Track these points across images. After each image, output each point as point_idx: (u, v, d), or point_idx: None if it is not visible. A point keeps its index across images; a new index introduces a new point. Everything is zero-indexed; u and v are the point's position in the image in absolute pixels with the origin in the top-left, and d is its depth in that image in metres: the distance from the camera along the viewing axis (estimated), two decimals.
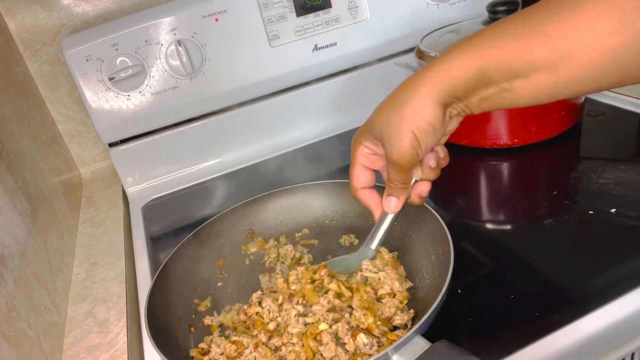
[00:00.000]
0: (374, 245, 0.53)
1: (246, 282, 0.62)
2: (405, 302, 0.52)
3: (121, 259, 0.71)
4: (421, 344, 0.42)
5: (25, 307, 0.51)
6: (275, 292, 0.56)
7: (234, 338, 0.50)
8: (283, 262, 0.63)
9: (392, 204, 0.49)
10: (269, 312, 0.52)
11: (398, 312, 0.51)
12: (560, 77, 0.38)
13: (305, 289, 0.52)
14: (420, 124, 0.42)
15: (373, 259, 0.54)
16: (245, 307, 0.55)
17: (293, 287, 0.53)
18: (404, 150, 0.43)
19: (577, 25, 0.36)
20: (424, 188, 0.49)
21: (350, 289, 0.52)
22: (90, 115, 0.83)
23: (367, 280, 0.53)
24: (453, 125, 0.46)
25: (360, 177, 0.50)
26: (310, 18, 0.88)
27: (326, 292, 0.51)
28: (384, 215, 0.51)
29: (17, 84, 0.80)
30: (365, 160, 0.49)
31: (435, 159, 0.48)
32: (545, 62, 0.37)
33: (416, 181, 0.49)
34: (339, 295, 0.51)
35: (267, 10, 0.85)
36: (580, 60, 0.36)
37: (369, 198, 0.52)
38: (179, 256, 0.59)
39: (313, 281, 0.53)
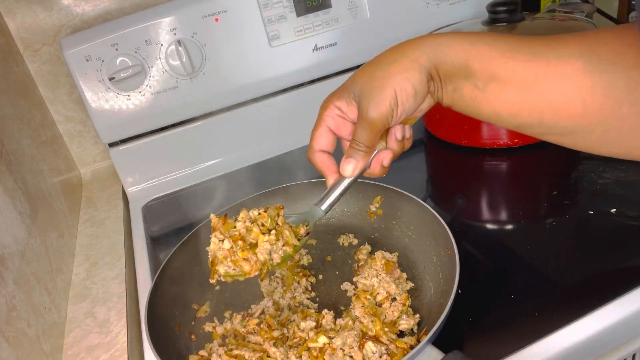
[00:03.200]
0: (324, 207, 0.48)
1: (245, 285, 0.61)
2: (407, 304, 0.52)
3: (121, 259, 0.71)
4: (433, 355, 0.42)
5: (25, 307, 0.51)
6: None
7: (235, 352, 0.50)
8: None
9: (351, 167, 0.46)
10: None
11: (403, 316, 0.51)
12: (529, 97, 0.40)
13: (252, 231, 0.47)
14: (403, 84, 0.42)
15: (321, 218, 0.50)
16: (246, 317, 0.55)
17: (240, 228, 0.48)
18: (381, 107, 0.43)
19: (562, 72, 0.39)
20: (387, 156, 0.47)
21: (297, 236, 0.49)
22: (90, 115, 0.83)
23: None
24: (425, 105, 0.46)
25: (323, 139, 0.48)
26: (310, 18, 0.88)
27: (270, 232, 0.47)
28: (339, 179, 0.48)
29: (17, 84, 0.80)
30: (332, 123, 0.48)
31: (401, 133, 0.48)
32: (522, 78, 0.40)
33: (377, 152, 0.48)
34: (287, 243, 0.48)
35: (267, 10, 0.85)
36: (550, 91, 0.40)
37: (326, 162, 0.49)
38: (173, 262, 0.58)
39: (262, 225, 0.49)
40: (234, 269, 0.46)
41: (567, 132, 0.42)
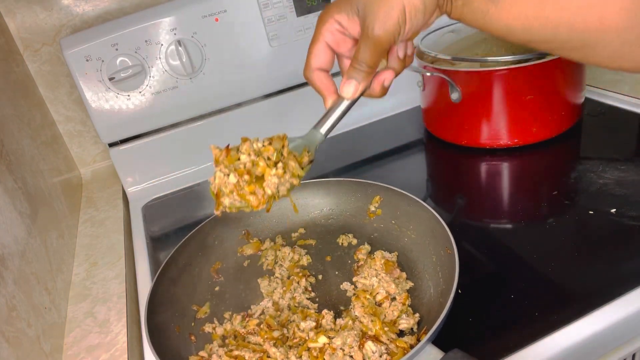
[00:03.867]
0: (323, 130, 0.46)
1: (244, 286, 0.61)
2: (407, 303, 0.52)
3: (121, 259, 0.71)
4: (433, 354, 0.42)
5: (25, 307, 0.51)
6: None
7: (235, 353, 0.50)
8: (281, 265, 0.63)
9: (352, 88, 0.44)
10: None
11: (403, 315, 0.51)
12: (546, 13, 0.38)
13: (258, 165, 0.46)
14: (414, 8, 0.39)
15: (321, 143, 0.48)
16: (246, 317, 0.55)
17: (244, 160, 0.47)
18: (388, 24, 0.40)
19: None
20: (388, 76, 0.45)
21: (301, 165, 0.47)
22: (90, 115, 0.83)
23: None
24: (432, 18, 0.43)
25: (321, 56, 0.45)
26: (311, 18, 0.88)
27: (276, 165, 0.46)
28: (338, 101, 0.46)
29: (17, 84, 0.80)
30: (331, 38, 0.44)
31: (404, 51, 0.45)
32: None
33: (378, 71, 0.46)
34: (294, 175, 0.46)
35: (267, 10, 0.85)
36: (561, 19, 0.37)
37: (324, 81, 0.46)
38: (173, 264, 0.58)
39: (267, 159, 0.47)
40: (240, 202, 0.44)
41: (580, 46, 0.39)
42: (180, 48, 0.81)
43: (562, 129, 0.78)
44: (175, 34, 0.81)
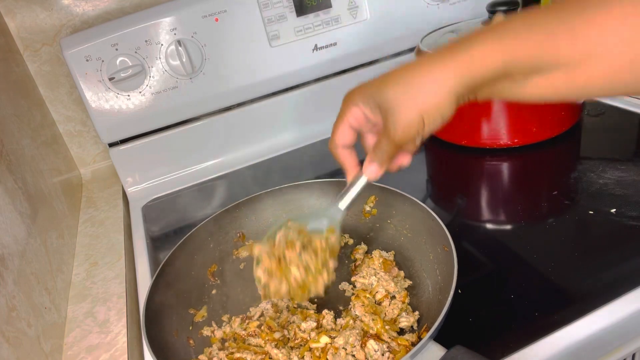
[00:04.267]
0: (343, 206, 0.49)
1: (241, 289, 0.61)
2: (406, 301, 0.52)
3: (121, 259, 0.71)
4: (436, 351, 0.42)
5: (25, 307, 0.51)
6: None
7: (237, 355, 0.49)
8: None
9: (374, 172, 0.47)
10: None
11: (403, 313, 0.51)
12: (577, 78, 0.37)
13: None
14: (432, 112, 0.42)
15: (343, 218, 0.50)
16: (246, 320, 0.55)
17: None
18: (408, 131, 0.42)
19: (604, 26, 0.35)
20: (406, 160, 0.48)
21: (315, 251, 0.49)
22: (90, 115, 0.83)
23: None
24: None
25: (345, 135, 0.48)
26: (310, 18, 0.88)
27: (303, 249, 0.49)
28: (358, 177, 0.49)
29: (17, 84, 0.80)
30: (354, 121, 0.47)
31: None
32: (567, 61, 0.37)
33: None
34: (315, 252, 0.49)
35: (267, 10, 0.85)
36: (600, 63, 0.36)
37: (348, 158, 0.49)
38: (168, 268, 0.58)
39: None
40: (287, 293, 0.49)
41: (609, 94, 0.40)
42: (180, 48, 0.81)
43: (562, 129, 0.78)
44: (175, 34, 0.81)
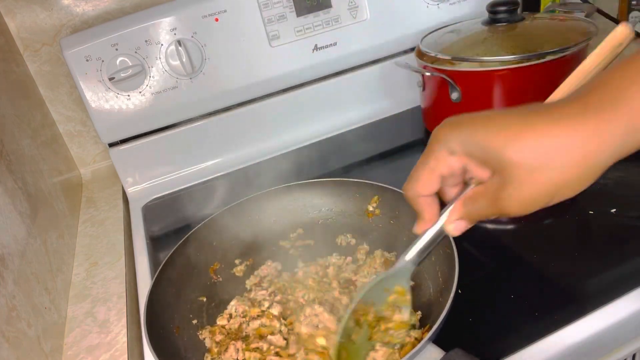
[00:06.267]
0: (409, 256, 0.44)
1: (243, 287, 0.61)
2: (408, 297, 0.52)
3: (121, 259, 0.71)
4: (435, 353, 0.42)
5: (25, 307, 0.51)
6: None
7: (253, 345, 0.50)
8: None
9: (461, 229, 0.40)
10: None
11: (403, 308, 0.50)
12: None
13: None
14: (568, 188, 0.32)
15: (412, 272, 0.46)
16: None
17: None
18: (526, 208, 0.34)
19: None
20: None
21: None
22: (90, 115, 0.83)
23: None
24: None
25: (432, 185, 0.40)
26: (310, 18, 0.88)
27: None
28: (435, 230, 0.42)
29: (17, 84, 0.80)
30: (447, 171, 0.38)
31: None
32: None
33: None
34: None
35: (267, 10, 0.85)
36: None
37: (429, 209, 0.41)
38: (171, 265, 0.58)
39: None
40: None
41: None
42: (180, 48, 0.81)
43: None
44: (175, 34, 0.81)
